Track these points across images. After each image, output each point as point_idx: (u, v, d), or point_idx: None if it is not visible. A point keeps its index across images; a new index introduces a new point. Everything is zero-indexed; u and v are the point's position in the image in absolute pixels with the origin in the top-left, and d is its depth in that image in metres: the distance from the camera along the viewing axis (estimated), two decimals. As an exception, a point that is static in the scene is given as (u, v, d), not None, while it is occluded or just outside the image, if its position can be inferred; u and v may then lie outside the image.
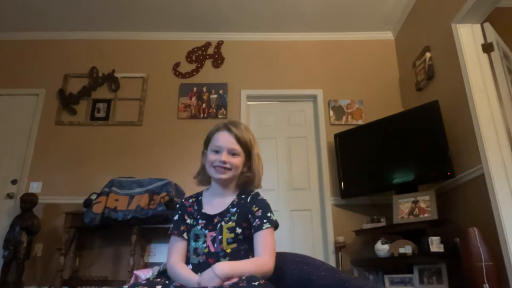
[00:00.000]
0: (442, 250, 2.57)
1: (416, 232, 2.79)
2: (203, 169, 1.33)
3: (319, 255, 3.37)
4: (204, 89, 3.92)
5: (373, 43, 4.11)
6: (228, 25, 4.03)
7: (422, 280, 2.62)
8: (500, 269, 2.25)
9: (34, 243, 3.29)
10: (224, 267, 1.04)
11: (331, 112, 3.83)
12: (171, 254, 1.21)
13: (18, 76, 3.97)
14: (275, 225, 1.21)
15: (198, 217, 1.26)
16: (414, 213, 2.86)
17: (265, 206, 1.25)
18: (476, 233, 2.31)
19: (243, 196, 1.29)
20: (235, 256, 1.16)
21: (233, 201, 1.28)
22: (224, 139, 1.27)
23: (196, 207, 1.30)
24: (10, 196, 3.54)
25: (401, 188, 3.05)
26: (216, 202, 1.28)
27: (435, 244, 2.58)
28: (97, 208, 2.92)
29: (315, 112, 3.92)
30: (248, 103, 3.96)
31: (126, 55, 4.07)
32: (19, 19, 3.92)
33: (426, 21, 3.37)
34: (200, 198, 1.33)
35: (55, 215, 3.42)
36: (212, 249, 1.18)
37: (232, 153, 1.25)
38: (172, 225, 1.27)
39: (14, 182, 3.60)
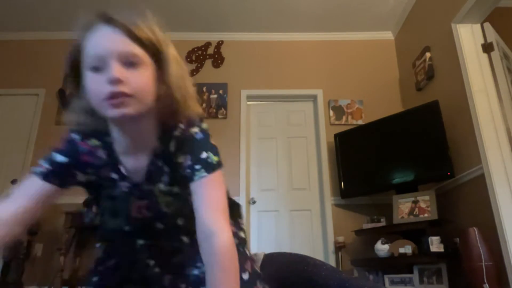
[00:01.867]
0: (442, 250, 2.56)
1: (416, 232, 2.79)
2: (81, 106, 0.80)
3: (319, 255, 3.37)
4: (204, 89, 3.92)
5: (373, 43, 4.11)
6: (228, 25, 4.02)
7: (422, 280, 2.62)
8: (500, 269, 2.25)
9: (34, 243, 3.29)
10: None
11: (331, 112, 3.83)
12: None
13: (18, 76, 3.97)
14: (214, 168, 0.81)
15: (116, 176, 0.86)
16: (414, 213, 2.86)
17: (195, 146, 0.83)
18: (476, 233, 2.31)
19: (167, 137, 0.85)
20: (181, 214, 0.88)
21: (155, 151, 0.85)
22: (107, 41, 0.75)
23: (106, 157, 0.85)
24: (10, 196, 3.53)
25: (401, 188, 3.05)
26: (133, 152, 0.84)
27: (435, 244, 2.58)
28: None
29: (315, 112, 3.92)
30: (248, 103, 3.96)
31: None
32: (19, 19, 3.92)
33: (426, 21, 3.37)
34: (110, 142, 0.84)
35: (55, 215, 3.42)
36: (146, 214, 0.87)
37: (129, 62, 0.73)
38: (44, 163, 0.82)
39: (14, 182, 3.60)
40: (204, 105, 3.86)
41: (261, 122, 3.94)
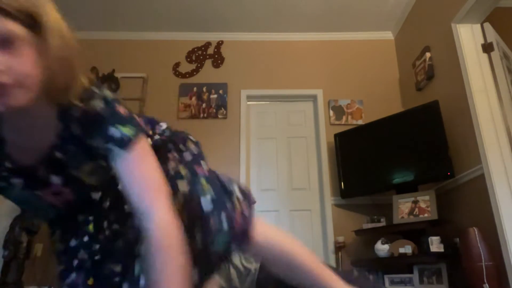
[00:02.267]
0: (442, 250, 2.56)
1: (416, 232, 2.79)
2: None
3: (319, 255, 3.37)
4: (204, 89, 3.92)
5: (373, 43, 4.11)
6: (228, 25, 4.02)
7: (422, 280, 2.63)
8: (500, 269, 2.25)
9: (34, 243, 3.29)
10: None
11: (331, 112, 3.83)
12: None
13: (18, 76, 3.96)
14: (128, 142, 0.71)
15: (5, 173, 0.74)
16: (414, 213, 2.86)
17: (99, 123, 0.70)
18: (476, 233, 2.31)
19: (67, 119, 0.72)
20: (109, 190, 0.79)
21: (60, 135, 0.72)
22: None
23: None
24: (10, 196, 3.53)
25: (401, 188, 3.05)
26: (27, 145, 0.72)
27: (435, 244, 2.58)
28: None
29: (315, 112, 3.92)
30: (248, 103, 3.96)
31: (126, 55, 4.07)
32: (19, 19, 3.92)
33: (426, 21, 3.37)
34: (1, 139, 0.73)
35: (55, 215, 3.42)
36: (70, 196, 0.79)
37: (5, 43, 0.59)
38: None
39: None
40: (204, 105, 3.86)
41: (261, 122, 3.94)
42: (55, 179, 0.76)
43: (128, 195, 0.70)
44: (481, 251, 2.25)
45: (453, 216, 2.81)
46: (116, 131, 0.70)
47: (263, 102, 4.04)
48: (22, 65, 0.60)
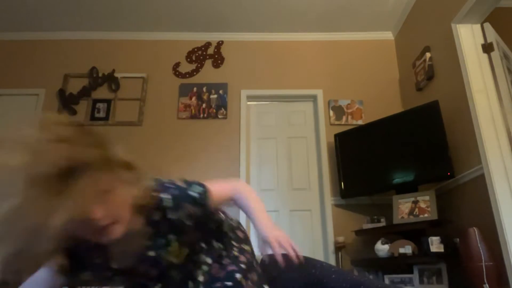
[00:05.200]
0: (442, 250, 2.56)
1: (416, 232, 2.79)
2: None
3: (319, 255, 3.37)
4: (204, 89, 3.92)
5: (373, 43, 4.11)
6: (228, 25, 4.02)
7: (422, 280, 2.63)
8: (500, 269, 2.25)
9: (34, 243, 3.28)
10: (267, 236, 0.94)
11: (331, 112, 3.83)
12: None
13: (18, 76, 3.97)
14: (203, 190, 0.98)
15: (110, 274, 0.90)
16: (414, 213, 2.86)
17: (182, 197, 0.93)
18: (476, 233, 2.31)
19: (156, 212, 0.89)
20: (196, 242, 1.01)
21: (149, 238, 0.89)
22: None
23: (101, 261, 0.87)
24: (10, 196, 3.53)
25: (401, 188, 3.05)
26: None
27: (435, 244, 2.58)
28: None
29: (315, 112, 3.92)
30: (248, 103, 3.96)
31: (126, 55, 4.07)
32: (18, 19, 3.92)
33: (426, 21, 3.37)
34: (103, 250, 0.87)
35: (55, 215, 3.41)
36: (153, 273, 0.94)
37: (103, 193, 0.72)
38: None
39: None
40: (204, 105, 3.86)
41: (261, 122, 3.94)
42: (154, 272, 0.93)
43: (222, 196, 1.04)
44: (481, 251, 2.25)
45: (453, 216, 2.81)
46: (196, 188, 0.96)
47: (263, 102, 4.04)
48: (117, 207, 0.75)
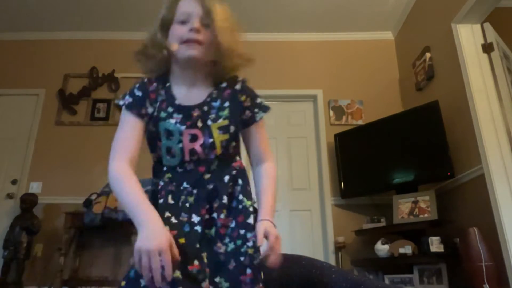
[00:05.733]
0: (442, 250, 2.57)
1: (416, 232, 2.79)
2: (155, 50, 1.03)
3: (319, 255, 3.37)
4: (204, 89, 3.92)
5: (373, 43, 4.11)
6: (228, 25, 4.02)
7: (422, 280, 2.62)
8: (500, 269, 2.25)
9: (34, 243, 3.28)
10: (271, 229, 0.90)
11: (331, 112, 3.83)
12: (120, 149, 0.95)
13: (18, 76, 3.97)
14: (266, 110, 1.08)
15: (170, 108, 0.99)
16: (414, 213, 2.86)
17: (253, 91, 1.09)
18: (476, 233, 2.31)
19: (223, 85, 1.04)
20: (225, 158, 0.99)
21: (211, 93, 1.02)
22: (194, 5, 1.00)
23: (164, 95, 1.01)
24: (10, 196, 3.53)
25: (401, 188, 3.05)
26: (191, 93, 1.02)
27: (435, 244, 2.58)
28: (97, 208, 2.92)
29: (315, 112, 3.92)
30: (248, 103, 3.96)
31: (126, 55, 4.06)
32: (18, 19, 3.92)
33: (426, 21, 3.37)
34: (168, 84, 1.04)
35: (55, 215, 3.42)
36: (202, 155, 0.95)
37: (204, 24, 0.98)
38: (127, 97, 1.00)
39: (14, 182, 3.60)
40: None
41: (261, 122, 3.94)
42: (199, 123, 0.98)
43: (256, 147, 1.06)
44: (481, 251, 2.25)
45: (453, 216, 2.81)
46: (261, 100, 1.07)
47: (263, 102, 4.03)
48: (208, 36, 0.98)
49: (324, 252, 3.41)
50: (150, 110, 0.98)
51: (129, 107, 0.98)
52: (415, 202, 2.89)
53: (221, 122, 0.97)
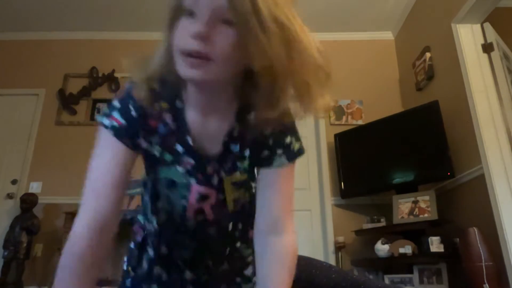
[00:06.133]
0: (442, 250, 2.56)
1: (416, 232, 2.79)
2: (167, 59, 0.66)
3: (319, 255, 3.37)
4: (204, 89, 3.91)
5: (373, 43, 4.11)
6: (228, 25, 4.02)
7: (422, 280, 2.62)
8: (500, 269, 2.25)
9: (34, 243, 3.28)
10: None
11: (331, 112, 3.83)
12: (95, 192, 0.65)
13: (18, 76, 3.97)
14: (295, 157, 0.75)
15: (181, 150, 0.69)
16: (414, 213, 2.86)
17: (285, 129, 0.72)
18: (476, 233, 2.31)
19: (251, 118, 0.69)
20: (240, 218, 0.77)
21: (231, 130, 0.70)
22: None
23: (171, 124, 0.68)
24: (10, 196, 3.53)
25: (401, 188, 3.05)
26: (207, 125, 0.69)
27: (435, 244, 2.58)
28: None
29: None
30: (248, 103, 3.96)
31: (126, 55, 4.06)
32: (19, 19, 3.92)
33: (426, 21, 3.37)
34: (180, 107, 0.69)
35: (55, 215, 3.42)
36: (210, 216, 0.73)
37: (225, 19, 0.58)
38: (116, 114, 0.66)
39: (14, 182, 3.60)
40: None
41: (261, 122, 3.94)
42: (215, 180, 0.72)
43: (270, 205, 0.71)
44: (481, 251, 2.25)
45: (453, 216, 2.81)
46: (291, 141, 0.72)
47: (263, 102, 4.03)
48: (227, 43, 0.59)
49: (324, 252, 3.41)
50: (143, 145, 0.68)
51: (119, 134, 0.65)
52: (415, 202, 2.89)
53: (237, 176, 0.72)
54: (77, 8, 3.76)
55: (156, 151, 0.68)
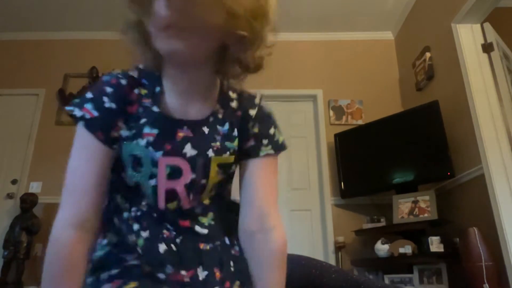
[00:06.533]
0: (442, 250, 2.56)
1: (416, 232, 2.79)
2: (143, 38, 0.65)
3: (319, 255, 3.37)
4: (204, 89, 3.91)
5: (373, 43, 4.11)
6: (228, 25, 4.02)
7: (422, 280, 2.62)
8: (500, 269, 2.25)
9: (34, 243, 3.28)
10: None
11: (331, 112, 3.83)
12: (75, 191, 0.66)
13: (18, 76, 3.97)
14: (280, 149, 0.75)
15: (145, 120, 0.65)
16: (414, 213, 2.86)
17: (265, 117, 0.75)
18: (476, 233, 2.31)
19: (233, 104, 0.73)
20: (216, 208, 0.70)
21: (215, 111, 0.70)
22: None
23: (147, 106, 0.66)
24: (10, 196, 3.53)
25: (401, 188, 3.05)
26: (188, 108, 0.68)
27: (435, 244, 2.58)
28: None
29: (315, 112, 3.92)
30: (248, 103, 3.96)
31: (126, 55, 4.06)
32: (19, 19, 3.92)
33: (426, 21, 3.37)
34: (158, 89, 0.67)
35: (55, 215, 3.40)
36: (186, 204, 0.66)
37: None
38: (89, 105, 0.63)
39: (14, 182, 3.60)
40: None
41: (261, 122, 3.94)
42: (189, 150, 0.66)
43: (254, 199, 0.70)
44: (481, 251, 2.25)
45: (453, 216, 2.81)
46: (275, 132, 0.73)
47: (263, 102, 4.03)
48: (199, 12, 0.59)
49: (324, 252, 3.41)
50: (125, 133, 0.64)
51: (91, 126, 0.62)
52: (415, 202, 2.89)
53: (226, 157, 0.68)
54: (77, 8, 3.76)
55: (125, 129, 0.65)
